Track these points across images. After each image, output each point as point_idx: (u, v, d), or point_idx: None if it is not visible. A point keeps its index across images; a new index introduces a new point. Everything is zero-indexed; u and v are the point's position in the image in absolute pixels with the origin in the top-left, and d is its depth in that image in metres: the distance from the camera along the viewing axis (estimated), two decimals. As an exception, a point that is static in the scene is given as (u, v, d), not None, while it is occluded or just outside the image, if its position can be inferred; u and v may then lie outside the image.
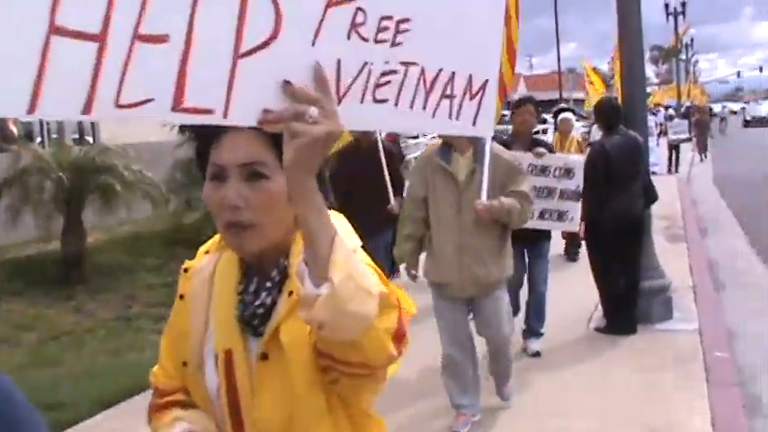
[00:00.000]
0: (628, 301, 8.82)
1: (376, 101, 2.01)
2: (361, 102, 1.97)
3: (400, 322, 1.85)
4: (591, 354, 8.25)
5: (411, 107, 2.11)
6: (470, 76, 2.28)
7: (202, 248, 2.33)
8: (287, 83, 1.70)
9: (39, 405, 6.81)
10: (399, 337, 1.85)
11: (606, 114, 9.01)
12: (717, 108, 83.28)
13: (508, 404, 6.88)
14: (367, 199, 8.71)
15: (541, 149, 8.08)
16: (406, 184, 7.94)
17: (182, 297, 2.30)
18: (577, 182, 8.10)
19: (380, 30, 1.98)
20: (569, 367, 7.87)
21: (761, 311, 10.05)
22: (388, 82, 2.03)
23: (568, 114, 13.19)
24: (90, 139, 21.66)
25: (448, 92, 2.22)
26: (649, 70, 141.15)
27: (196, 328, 2.20)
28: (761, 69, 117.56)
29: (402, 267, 7.14)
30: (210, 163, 2.05)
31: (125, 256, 12.97)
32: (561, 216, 8.14)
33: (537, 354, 8.20)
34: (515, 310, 7.95)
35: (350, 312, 1.67)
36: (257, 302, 2.08)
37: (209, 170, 2.06)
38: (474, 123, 2.35)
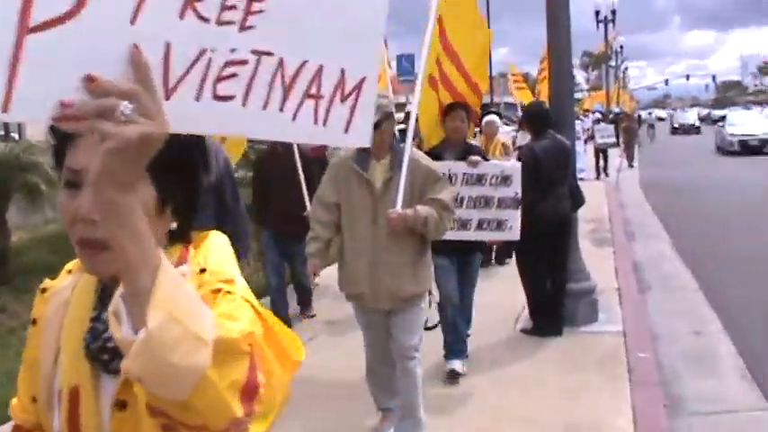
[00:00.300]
0: (554, 303, 8.92)
1: (217, 98, 1.59)
2: (197, 99, 1.56)
3: (252, 374, 1.50)
4: (517, 355, 8.32)
5: (264, 108, 1.68)
6: (343, 71, 1.83)
7: (67, 266, 2.01)
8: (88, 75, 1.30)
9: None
10: (249, 392, 1.50)
11: (536, 119, 9.12)
12: (645, 115, 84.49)
13: (434, 400, 6.85)
14: (284, 206, 8.71)
15: (476, 157, 7.65)
16: None
17: (34, 322, 1.96)
18: (515, 189, 7.74)
19: (226, 8, 1.57)
20: (495, 368, 7.93)
21: (684, 312, 10.28)
22: (234, 75, 1.61)
23: (493, 117, 12.71)
24: (16, 135, 21.31)
25: (313, 90, 1.77)
26: (580, 76, 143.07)
27: (45, 358, 1.86)
28: (687, 78, 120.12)
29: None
30: (65, 167, 1.72)
31: (50, 255, 12.71)
32: (500, 225, 7.79)
33: (456, 374, 7.64)
34: (452, 330, 7.75)
35: (171, 364, 1.31)
36: (107, 334, 1.67)
37: (64, 175, 1.72)
38: (346, 131, 1.87)
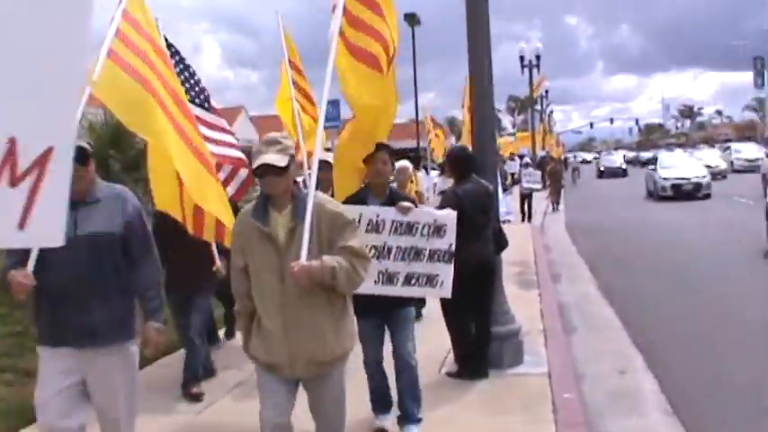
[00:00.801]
0: (480, 347, 8.94)
1: None
2: None
3: None
4: (442, 398, 8.27)
5: None
6: (13, 141, 1.28)
7: None
8: None
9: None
10: None
11: (458, 162, 9.16)
12: (571, 158, 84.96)
13: None
14: (190, 259, 8.48)
15: (406, 204, 7.09)
16: None
17: None
18: (449, 240, 7.26)
19: None
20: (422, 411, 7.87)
21: (608, 352, 10.42)
22: None
23: (405, 163, 11.55)
24: None
25: None
26: (506, 120, 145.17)
27: None
28: (612, 121, 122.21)
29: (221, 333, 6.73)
30: None
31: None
32: (431, 280, 7.21)
33: None
34: (379, 392, 7.43)
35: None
36: None
37: None
38: (21, 226, 1.30)
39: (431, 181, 21.74)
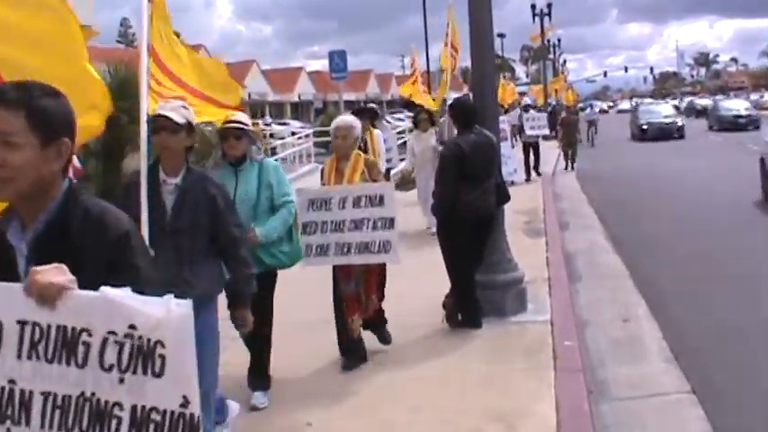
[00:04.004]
0: (470, 295, 9.03)
1: None
2: None
3: None
4: (442, 348, 8.36)
5: None
6: None
7: None
8: None
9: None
10: None
11: (461, 113, 9.16)
12: (586, 108, 75.38)
13: (357, 396, 7.03)
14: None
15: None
16: None
17: None
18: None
19: None
20: (420, 361, 7.97)
21: (612, 300, 10.45)
22: None
23: (347, 119, 8.28)
24: None
25: None
26: (520, 70, 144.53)
27: None
28: (626, 70, 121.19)
29: None
30: None
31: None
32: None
33: None
34: None
35: None
36: None
37: None
38: None
39: (391, 138, 19.09)
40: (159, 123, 5.34)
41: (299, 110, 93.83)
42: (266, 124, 51.90)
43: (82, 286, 2.54)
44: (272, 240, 6.71)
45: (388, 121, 44.54)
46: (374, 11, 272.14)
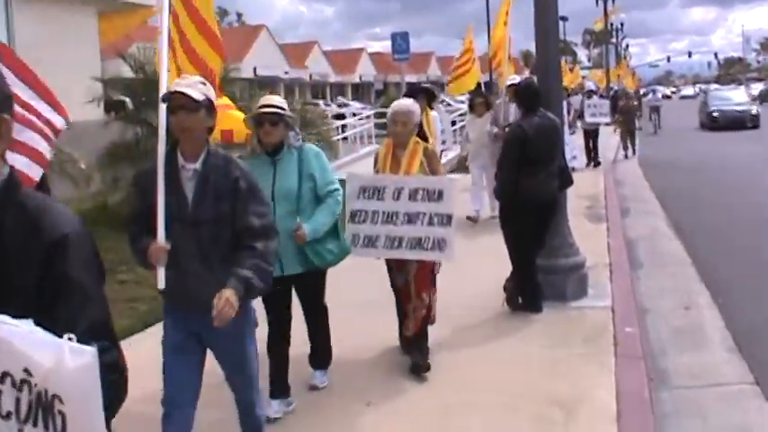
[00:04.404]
0: (532, 279, 9.00)
1: None
2: None
3: None
4: (504, 331, 8.36)
5: None
6: None
7: None
8: None
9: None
10: None
11: (526, 96, 9.12)
12: (648, 93, 71.73)
13: (420, 380, 6.99)
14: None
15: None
16: None
17: None
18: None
19: None
20: (481, 344, 7.98)
21: (675, 288, 10.36)
22: None
23: (405, 103, 7.55)
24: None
25: None
26: (582, 54, 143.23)
27: None
28: (689, 55, 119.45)
29: None
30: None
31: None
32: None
33: None
34: None
35: None
36: None
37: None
38: None
39: (446, 121, 18.04)
40: (176, 102, 4.65)
41: (360, 91, 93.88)
42: (335, 105, 51.96)
43: (7, 297, 2.20)
44: (320, 236, 6.31)
45: (449, 103, 44.35)
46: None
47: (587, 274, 9.64)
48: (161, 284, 4.75)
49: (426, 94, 12.56)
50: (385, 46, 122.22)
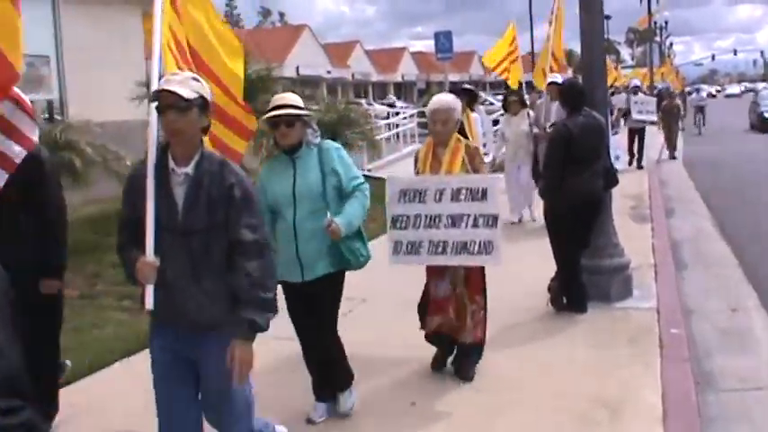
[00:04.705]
0: (576, 279, 8.96)
1: None
2: None
3: None
4: (547, 331, 8.35)
5: None
6: None
7: None
8: None
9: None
10: None
11: (570, 95, 9.09)
12: (692, 92, 65.95)
13: (464, 381, 6.97)
14: None
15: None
16: None
17: None
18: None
19: None
20: (525, 344, 7.96)
21: (720, 289, 10.23)
22: None
23: (446, 98, 7.23)
24: (59, 118, 21.61)
25: None
26: (625, 52, 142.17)
27: None
28: (735, 53, 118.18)
29: None
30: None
31: (90, 234, 12.86)
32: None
33: None
34: None
35: None
36: None
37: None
38: None
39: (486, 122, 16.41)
40: (164, 101, 4.23)
41: (403, 90, 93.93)
42: (376, 104, 51.92)
43: None
44: (353, 231, 5.94)
45: (491, 102, 44.22)
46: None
47: (632, 274, 9.57)
48: (149, 305, 4.30)
49: (467, 95, 12.43)
50: (427, 45, 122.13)
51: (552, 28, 16.51)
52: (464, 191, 6.66)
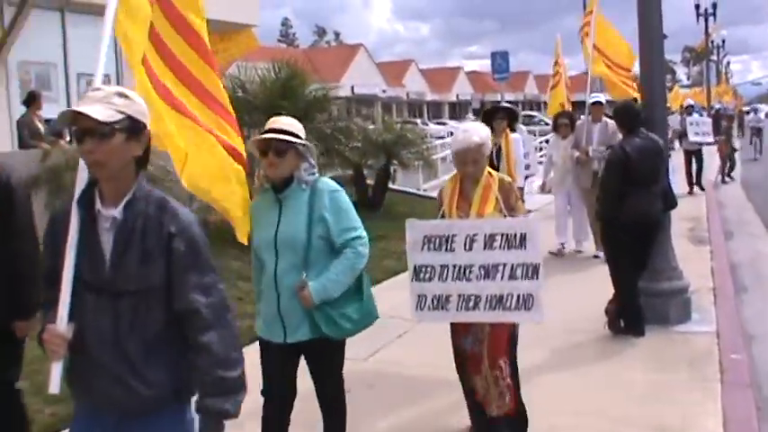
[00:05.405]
0: (634, 302, 8.87)
1: None
2: None
3: None
4: (605, 354, 8.27)
5: None
6: None
7: None
8: None
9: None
10: None
11: (625, 117, 9.05)
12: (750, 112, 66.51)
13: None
14: None
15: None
16: None
17: None
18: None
19: None
20: (583, 367, 7.90)
21: (781, 314, 10.06)
22: None
23: (470, 132, 5.94)
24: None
25: None
26: (681, 72, 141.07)
27: None
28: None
29: None
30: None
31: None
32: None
33: None
34: None
35: None
36: None
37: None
38: None
39: (529, 142, 15.99)
40: (79, 125, 3.30)
41: (458, 110, 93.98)
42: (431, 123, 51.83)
43: None
44: (332, 298, 4.91)
45: (546, 123, 43.98)
46: (532, 10, 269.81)
47: (691, 298, 9.47)
48: (53, 388, 3.40)
49: (507, 114, 11.77)
50: (482, 64, 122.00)
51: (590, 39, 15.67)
52: (499, 237, 5.60)
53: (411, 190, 21.56)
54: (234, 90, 16.31)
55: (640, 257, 8.83)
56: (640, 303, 8.85)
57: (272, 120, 5.06)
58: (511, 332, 5.89)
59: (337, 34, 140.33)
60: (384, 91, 77.80)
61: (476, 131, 5.82)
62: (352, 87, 68.82)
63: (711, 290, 10.68)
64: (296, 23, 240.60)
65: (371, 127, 21.47)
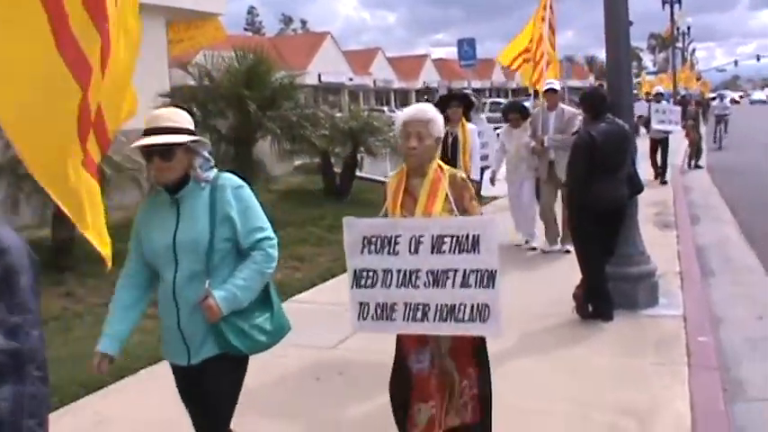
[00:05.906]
0: (601, 287, 8.89)
1: None
2: None
3: None
4: (573, 338, 8.28)
5: None
6: None
7: None
8: None
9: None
10: None
11: (592, 102, 9.06)
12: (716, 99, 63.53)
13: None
14: None
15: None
16: None
17: None
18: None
19: None
20: (551, 351, 7.91)
21: (747, 297, 10.15)
22: None
23: (422, 110, 5.26)
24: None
25: None
26: (647, 59, 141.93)
27: None
28: (758, 58, 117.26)
29: None
30: None
31: (116, 242, 12.85)
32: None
33: None
34: None
35: None
36: None
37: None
38: None
39: (488, 132, 14.83)
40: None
41: (425, 97, 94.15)
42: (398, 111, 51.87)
43: None
44: (242, 307, 4.32)
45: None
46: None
47: (658, 282, 9.51)
48: None
49: (462, 102, 11.37)
50: (449, 52, 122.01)
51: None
52: (448, 239, 4.80)
53: (379, 178, 21.51)
54: (200, 78, 16.20)
55: (607, 243, 8.84)
56: (608, 288, 8.87)
57: (149, 118, 4.31)
58: (476, 338, 5.11)
59: (304, 22, 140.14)
60: (351, 79, 77.78)
61: (429, 109, 5.16)
62: (319, 75, 68.71)
63: (678, 274, 10.74)
64: (262, 12, 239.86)
65: (339, 115, 21.43)
